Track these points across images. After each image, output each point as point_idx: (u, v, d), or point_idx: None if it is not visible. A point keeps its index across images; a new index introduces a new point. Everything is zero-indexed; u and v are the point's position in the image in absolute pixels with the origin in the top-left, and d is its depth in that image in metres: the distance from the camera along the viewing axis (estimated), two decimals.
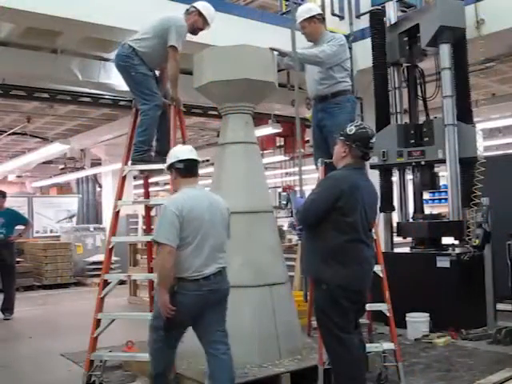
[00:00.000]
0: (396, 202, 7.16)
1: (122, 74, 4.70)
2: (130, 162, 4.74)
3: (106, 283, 4.45)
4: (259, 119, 10.20)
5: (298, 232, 3.45)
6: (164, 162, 4.52)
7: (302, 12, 5.01)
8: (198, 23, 4.70)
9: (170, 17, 4.62)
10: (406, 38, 6.94)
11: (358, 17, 8.18)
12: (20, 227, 8.66)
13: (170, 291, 3.23)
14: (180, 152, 3.55)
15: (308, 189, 5.25)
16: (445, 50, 6.54)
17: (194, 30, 4.76)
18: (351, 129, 3.39)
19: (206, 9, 4.71)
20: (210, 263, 3.34)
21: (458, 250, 6.19)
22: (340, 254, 3.25)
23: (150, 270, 5.08)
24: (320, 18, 5.00)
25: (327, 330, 3.33)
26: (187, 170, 3.47)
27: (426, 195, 12.82)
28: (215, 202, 3.50)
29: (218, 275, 3.38)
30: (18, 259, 11.68)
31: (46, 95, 8.96)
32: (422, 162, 6.63)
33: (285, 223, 17.38)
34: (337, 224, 3.25)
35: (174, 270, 3.21)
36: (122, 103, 9.33)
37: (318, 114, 5.00)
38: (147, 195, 5.33)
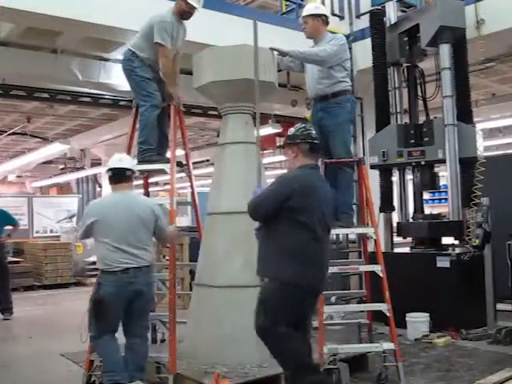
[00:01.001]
0: (396, 202, 7.16)
1: (126, 78, 4.80)
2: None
3: None
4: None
5: (256, 232, 3.46)
6: (163, 162, 4.56)
7: (310, 8, 5.03)
8: (182, 7, 4.69)
9: (153, 15, 4.66)
10: (406, 38, 6.94)
11: (358, 17, 8.18)
12: (8, 227, 8.64)
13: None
14: (110, 161, 4.00)
15: None
16: (445, 50, 6.54)
17: (183, 15, 4.75)
18: (291, 130, 3.57)
19: None
20: (128, 258, 3.76)
21: (458, 250, 6.19)
22: (296, 253, 3.26)
23: None
24: (324, 20, 5.00)
25: (274, 322, 3.27)
26: (114, 177, 3.94)
27: (426, 195, 12.82)
28: (132, 204, 3.90)
29: (138, 271, 3.78)
30: (17, 259, 11.73)
31: (46, 95, 8.96)
32: (422, 162, 6.63)
33: None
34: (290, 223, 3.27)
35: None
36: (122, 103, 9.33)
37: (318, 113, 4.99)
38: (147, 195, 5.33)
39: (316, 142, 3.51)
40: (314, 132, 3.53)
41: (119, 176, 3.94)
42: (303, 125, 3.59)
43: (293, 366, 3.27)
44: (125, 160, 4.00)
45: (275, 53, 4.89)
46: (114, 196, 3.98)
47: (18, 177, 20.43)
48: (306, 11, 5.02)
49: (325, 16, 5.01)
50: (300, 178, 3.36)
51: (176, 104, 4.71)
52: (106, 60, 7.89)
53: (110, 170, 3.95)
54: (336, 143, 4.88)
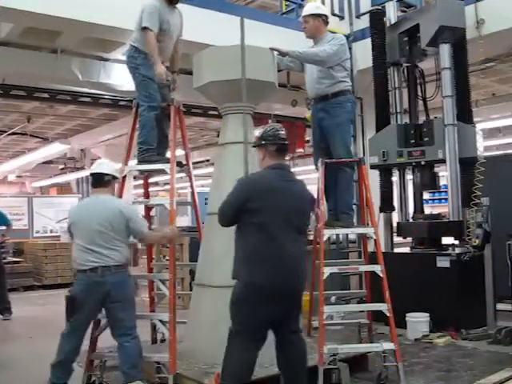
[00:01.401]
0: (396, 202, 7.16)
1: (130, 75, 4.79)
2: (130, 162, 4.75)
3: None
4: (259, 119, 10.19)
5: None
6: (163, 162, 4.56)
7: (311, 7, 5.03)
8: None
9: (143, 5, 4.65)
10: (406, 38, 6.94)
11: (358, 17, 8.18)
12: (2, 227, 8.65)
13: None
14: (92, 166, 4.29)
15: (311, 189, 5.27)
16: (445, 49, 6.54)
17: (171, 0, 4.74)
18: (260, 131, 3.53)
19: None
20: (96, 257, 3.95)
21: (458, 250, 6.19)
22: (253, 254, 3.28)
23: (150, 270, 5.09)
24: (325, 20, 5.01)
25: (234, 325, 3.35)
26: (93, 181, 4.22)
27: (426, 195, 12.83)
28: (103, 207, 4.06)
29: (107, 270, 3.93)
30: (17, 259, 11.73)
31: (46, 95, 8.96)
32: (422, 162, 6.63)
33: None
34: (248, 225, 3.30)
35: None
36: (122, 103, 9.34)
37: (319, 113, 4.99)
38: (147, 195, 5.33)
39: (284, 143, 3.47)
40: (282, 132, 3.50)
41: (97, 180, 4.16)
42: (272, 126, 3.57)
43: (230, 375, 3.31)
44: (104, 165, 4.21)
45: (275, 53, 4.88)
46: (90, 199, 4.32)
47: (18, 177, 20.42)
48: (306, 11, 5.02)
49: (325, 16, 5.02)
50: (257, 180, 3.40)
51: (172, 84, 4.72)
52: (106, 60, 7.89)
53: (91, 175, 4.21)
54: (336, 143, 4.87)
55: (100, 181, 4.14)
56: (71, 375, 4.07)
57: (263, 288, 3.23)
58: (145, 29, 4.51)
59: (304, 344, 3.54)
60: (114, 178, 4.22)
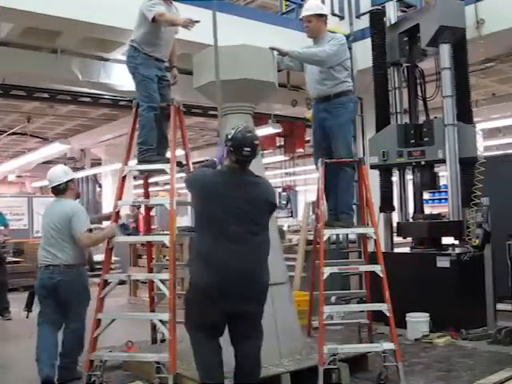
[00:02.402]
0: (396, 202, 7.15)
1: (131, 75, 4.79)
2: (130, 162, 4.76)
3: (106, 283, 4.44)
4: (259, 119, 10.20)
5: None
6: (163, 162, 4.56)
7: (312, 7, 4.98)
8: None
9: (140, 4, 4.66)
10: (405, 38, 6.94)
11: (358, 17, 8.18)
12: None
13: None
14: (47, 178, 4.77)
15: (311, 189, 5.28)
16: (445, 49, 6.54)
17: None
18: (230, 132, 3.43)
19: None
20: (48, 257, 4.44)
21: (458, 250, 6.19)
22: (199, 254, 3.30)
23: (150, 270, 5.09)
24: (326, 19, 5.00)
25: (186, 325, 3.37)
26: (52, 192, 4.69)
27: (426, 195, 12.82)
28: (56, 210, 4.57)
29: (57, 268, 4.39)
30: (17, 259, 11.71)
31: (46, 95, 8.97)
32: (422, 162, 6.63)
33: (285, 223, 17.43)
34: (197, 225, 3.32)
35: None
36: (122, 103, 9.34)
37: (320, 113, 4.98)
38: (147, 195, 5.33)
39: (245, 159, 3.35)
40: (247, 149, 3.34)
41: (56, 192, 4.66)
42: (242, 133, 3.40)
43: (200, 376, 3.33)
44: (54, 177, 4.64)
45: (275, 53, 4.88)
46: (53, 202, 4.74)
47: (18, 177, 20.42)
48: (309, 10, 4.96)
49: (326, 15, 5.02)
50: (202, 179, 3.39)
51: (173, 78, 4.75)
52: (106, 60, 7.89)
53: (51, 188, 4.72)
54: (338, 144, 4.88)
55: (58, 191, 4.63)
56: (55, 370, 4.38)
57: (207, 289, 3.21)
58: (154, 19, 4.46)
59: (255, 354, 3.38)
60: (69, 181, 4.64)
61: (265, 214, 3.44)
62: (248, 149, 3.32)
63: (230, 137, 3.38)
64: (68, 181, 4.63)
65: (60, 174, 4.65)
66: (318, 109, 5.04)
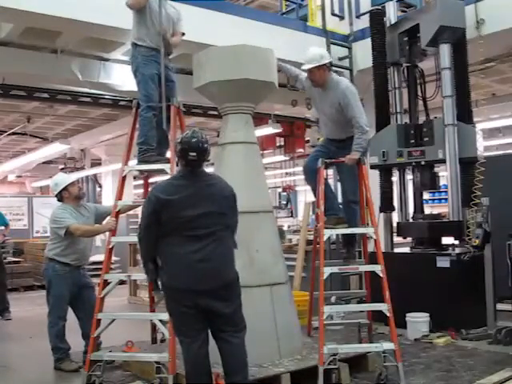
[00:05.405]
0: (396, 202, 7.15)
1: (133, 75, 4.81)
2: (130, 162, 4.76)
3: (106, 283, 4.45)
4: (259, 119, 10.20)
5: None
6: (163, 162, 4.56)
7: (314, 58, 4.85)
8: None
9: None
10: (406, 38, 6.93)
11: (358, 17, 8.19)
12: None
13: None
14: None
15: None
16: (445, 50, 6.53)
17: None
18: (179, 137, 3.49)
19: None
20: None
21: (457, 250, 6.19)
22: (162, 255, 3.39)
23: None
24: (329, 66, 4.93)
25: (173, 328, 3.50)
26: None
27: (426, 195, 12.82)
28: None
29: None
30: (17, 259, 11.73)
31: (46, 95, 8.97)
32: (422, 162, 6.63)
33: (285, 223, 17.44)
34: (162, 234, 3.36)
35: None
36: (122, 103, 9.34)
37: (333, 148, 5.07)
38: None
39: (193, 160, 3.36)
40: (193, 153, 3.34)
41: (57, 199, 5.20)
42: (189, 137, 3.39)
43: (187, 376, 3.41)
44: (52, 188, 5.21)
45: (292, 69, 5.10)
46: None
47: (18, 177, 20.41)
48: (310, 62, 4.85)
49: (329, 62, 4.93)
50: (162, 191, 3.39)
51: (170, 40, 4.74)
52: (106, 60, 7.89)
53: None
54: (346, 181, 5.05)
55: (58, 199, 5.17)
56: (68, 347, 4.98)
57: (174, 288, 3.33)
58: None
59: (236, 353, 3.42)
60: (62, 189, 5.06)
61: (226, 210, 3.48)
62: (193, 153, 3.35)
63: (177, 141, 3.45)
64: (62, 190, 5.07)
65: (53, 186, 5.19)
66: (331, 145, 5.14)
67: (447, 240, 6.86)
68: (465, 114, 6.58)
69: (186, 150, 3.35)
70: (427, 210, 8.31)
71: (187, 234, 3.31)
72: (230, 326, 3.41)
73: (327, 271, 4.40)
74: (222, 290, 3.36)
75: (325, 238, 4.59)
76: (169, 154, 4.71)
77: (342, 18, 8.22)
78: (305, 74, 5.08)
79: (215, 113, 9.47)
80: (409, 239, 7.09)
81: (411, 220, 7.07)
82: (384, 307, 4.34)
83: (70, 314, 5.12)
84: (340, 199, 5.50)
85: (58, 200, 5.17)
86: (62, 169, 18.31)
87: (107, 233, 4.75)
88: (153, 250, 3.43)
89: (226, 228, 3.46)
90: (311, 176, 5.08)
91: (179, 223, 3.31)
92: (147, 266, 3.48)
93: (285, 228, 15.11)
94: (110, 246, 4.56)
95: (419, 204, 7.19)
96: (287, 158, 15.19)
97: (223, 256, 3.41)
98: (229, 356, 3.41)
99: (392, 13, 7.31)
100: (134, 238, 6.07)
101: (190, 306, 3.30)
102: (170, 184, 3.51)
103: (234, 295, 3.45)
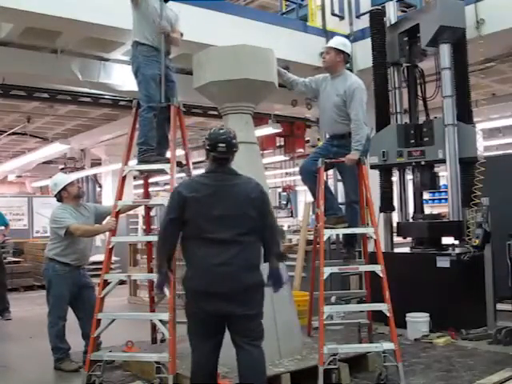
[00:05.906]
0: (396, 202, 7.15)
1: (134, 76, 4.79)
2: (130, 162, 4.76)
3: (106, 283, 4.45)
4: (259, 119, 10.20)
5: None
6: (163, 162, 4.56)
7: (338, 42, 4.98)
8: None
9: None
10: (406, 38, 6.94)
11: (358, 17, 8.19)
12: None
13: None
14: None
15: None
16: (445, 50, 6.54)
17: None
18: (208, 132, 3.42)
19: None
20: None
21: (457, 250, 6.18)
22: (185, 256, 3.34)
23: (150, 270, 5.09)
24: (346, 58, 4.97)
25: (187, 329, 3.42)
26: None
27: (426, 195, 12.82)
28: None
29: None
30: (17, 259, 11.73)
31: (46, 95, 8.97)
32: (422, 162, 6.63)
33: (285, 223, 17.44)
34: (184, 233, 3.32)
35: None
36: (122, 103, 9.34)
37: (334, 148, 5.01)
38: (147, 195, 5.33)
39: (221, 156, 3.32)
40: (222, 145, 3.30)
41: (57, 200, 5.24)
42: (217, 131, 3.37)
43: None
44: (51, 189, 5.32)
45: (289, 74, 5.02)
46: None
47: (18, 177, 20.41)
48: (331, 42, 4.99)
49: (348, 55, 4.98)
50: (186, 189, 3.33)
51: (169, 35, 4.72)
52: (106, 60, 7.89)
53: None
54: (348, 182, 5.01)
55: (57, 200, 5.20)
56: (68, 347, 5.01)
57: (193, 291, 3.27)
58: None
59: (255, 358, 3.28)
60: (61, 190, 5.07)
61: (251, 213, 3.31)
62: (222, 145, 3.31)
63: (205, 137, 3.41)
64: (61, 190, 5.09)
65: (52, 186, 5.23)
66: (331, 143, 5.10)
67: (447, 240, 6.86)
68: (465, 114, 6.58)
69: (215, 142, 3.30)
70: (427, 210, 8.31)
71: (207, 236, 3.22)
72: (247, 331, 3.27)
73: (327, 271, 4.40)
74: (240, 293, 3.22)
75: (325, 237, 4.59)
76: (169, 154, 4.71)
77: (342, 18, 8.22)
78: (303, 78, 5.13)
79: (215, 113, 9.47)
80: (409, 239, 7.09)
81: (411, 220, 7.07)
82: (384, 307, 4.34)
83: (70, 314, 5.10)
84: (340, 199, 5.50)
85: (58, 200, 5.19)
86: (62, 169, 18.31)
87: (107, 233, 4.75)
88: (170, 250, 3.36)
89: (251, 232, 3.30)
90: (307, 177, 5.08)
91: (199, 223, 3.24)
92: (161, 268, 3.34)
93: (285, 228, 15.11)
94: (110, 246, 4.55)
95: (419, 204, 7.19)
96: (287, 158, 15.19)
97: (246, 261, 3.26)
98: (246, 369, 3.27)
99: (392, 13, 7.31)
100: (134, 238, 6.04)
101: (204, 308, 3.22)
102: (194, 181, 3.47)
103: (254, 301, 3.29)
